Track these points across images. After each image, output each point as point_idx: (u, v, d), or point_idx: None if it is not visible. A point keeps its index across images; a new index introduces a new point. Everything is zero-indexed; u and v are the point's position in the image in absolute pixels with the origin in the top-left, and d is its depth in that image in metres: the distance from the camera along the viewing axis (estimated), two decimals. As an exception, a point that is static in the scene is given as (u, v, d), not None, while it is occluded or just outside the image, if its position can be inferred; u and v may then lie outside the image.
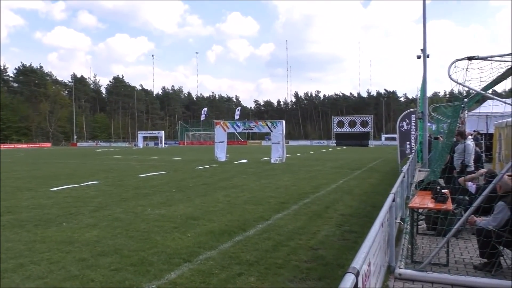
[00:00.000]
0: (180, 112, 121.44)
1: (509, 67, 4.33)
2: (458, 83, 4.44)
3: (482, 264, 4.88)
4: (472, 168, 8.43)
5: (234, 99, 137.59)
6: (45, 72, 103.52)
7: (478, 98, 7.46)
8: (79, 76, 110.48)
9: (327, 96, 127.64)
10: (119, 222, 7.71)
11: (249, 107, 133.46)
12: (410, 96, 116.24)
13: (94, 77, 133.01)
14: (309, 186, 13.04)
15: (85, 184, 13.78)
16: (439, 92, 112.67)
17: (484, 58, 4.27)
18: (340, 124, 75.25)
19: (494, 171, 7.29)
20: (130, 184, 13.80)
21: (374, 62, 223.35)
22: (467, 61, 4.32)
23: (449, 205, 5.50)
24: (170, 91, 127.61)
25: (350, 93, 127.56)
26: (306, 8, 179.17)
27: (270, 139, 28.00)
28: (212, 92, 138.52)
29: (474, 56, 4.22)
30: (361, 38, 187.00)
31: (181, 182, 14.17)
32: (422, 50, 18.91)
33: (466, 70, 4.44)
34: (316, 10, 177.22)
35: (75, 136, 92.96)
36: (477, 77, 4.56)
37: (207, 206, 9.35)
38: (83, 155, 38.24)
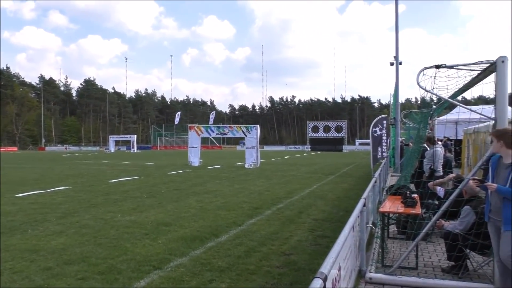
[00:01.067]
0: (153, 116, 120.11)
1: (474, 75, 4.50)
2: (426, 90, 4.59)
3: (449, 267, 5.03)
4: (441, 173, 8.68)
5: (208, 103, 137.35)
6: (12, 73, 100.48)
7: (447, 105, 7.71)
8: (48, 77, 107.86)
9: (302, 101, 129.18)
10: (87, 229, 7.53)
11: (224, 111, 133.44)
12: (383, 102, 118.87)
13: (66, 79, 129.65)
14: (283, 191, 13.11)
15: (52, 190, 13.40)
16: (411, 99, 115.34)
17: (451, 67, 4.43)
18: (315, 129, 76.19)
19: (462, 176, 7.53)
20: (100, 189, 13.51)
21: (349, 68, 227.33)
22: (435, 69, 4.47)
23: (418, 210, 5.65)
24: (143, 94, 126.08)
25: (325, 99, 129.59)
26: (283, 12, 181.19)
27: (244, 144, 28.04)
28: (187, 96, 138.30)
29: (441, 65, 4.37)
30: (336, 44, 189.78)
31: (153, 188, 14.00)
32: (395, 57, 19.43)
33: (434, 78, 4.60)
34: (293, 15, 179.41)
35: (43, 140, 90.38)
36: (444, 85, 4.74)
37: (179, 212, 9.26)
38: (51, 159, 37.21)
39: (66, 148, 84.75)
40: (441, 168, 8.83)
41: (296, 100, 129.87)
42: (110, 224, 7.91)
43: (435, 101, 7.05)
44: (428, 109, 7.57)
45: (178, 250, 6.04)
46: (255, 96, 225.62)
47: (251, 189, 13.82)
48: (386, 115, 21.59)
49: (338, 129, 74.70)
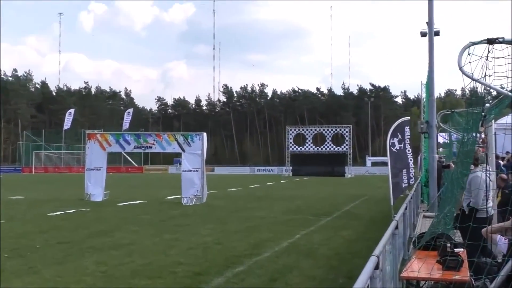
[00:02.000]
0: (26, 115, 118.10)
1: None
2: (473, 79, 4.68)
3: None
4: (490, 213, 8.89)
5: (123, 94, 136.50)
6: None
7: (508, 103, 7.92)
8: None
9: (278, 92, 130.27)
10: None
11: (148, 108, 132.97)
12: (411, 96, 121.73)
13: None
14: (245, 245, 13.14)
15: None
16: (454, 90, 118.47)
17: (513, 42, 4.55)
18: (300, 139, 76.65)
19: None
20: None
21: (354, 41, 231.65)
22: (487, 45, 4.57)
23: (465, 274, 5.73)
24: (10, 78, 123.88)
25: (317, 89, 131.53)
26: None
27: (181, 164, 27.91)
28: (85, 83, 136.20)
29: (497, 39, 4.47)
30: (334, 3, 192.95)
31: (20, 240, 13.73)
32: (427, 23, 19.91)
33: (487, 60, 4.70)
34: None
35: None
36: (503, 70, 4.83)
37: (64, 283, 9.11)
38: None
39: None
40: (489, 205, 9.04)
41: (269, 90, 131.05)
42: None
43: (493, 95, 7.21)
44: (479, 108, 7.72)
45: None
46: (201, 84, 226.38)
47: (191, 241, 13.78)
48: (407, 118, 21.95)
49: (338, 139, 75.59)
